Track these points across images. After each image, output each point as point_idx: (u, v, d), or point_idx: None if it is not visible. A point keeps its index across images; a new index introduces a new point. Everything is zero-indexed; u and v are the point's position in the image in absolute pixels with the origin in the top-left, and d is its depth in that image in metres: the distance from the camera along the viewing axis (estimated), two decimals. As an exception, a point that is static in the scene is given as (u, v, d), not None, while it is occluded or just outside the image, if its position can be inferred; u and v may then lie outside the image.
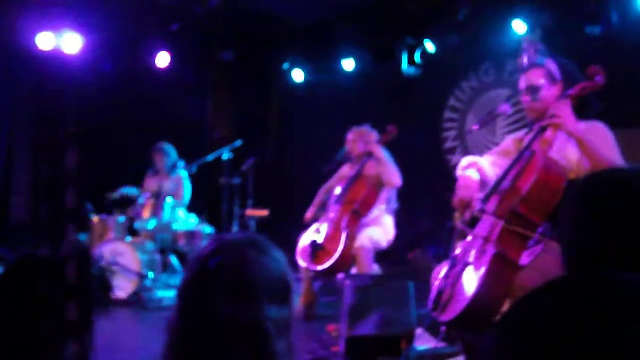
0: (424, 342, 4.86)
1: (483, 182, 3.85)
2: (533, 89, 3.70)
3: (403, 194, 6.36)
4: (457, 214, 5.72)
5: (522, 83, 3.78)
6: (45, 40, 8.04)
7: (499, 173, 3.77)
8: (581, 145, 3.40)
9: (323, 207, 6.42)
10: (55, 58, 8.09)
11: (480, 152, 5.74)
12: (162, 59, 9.17)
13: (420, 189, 7.37)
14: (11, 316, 1.75)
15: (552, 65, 3.73)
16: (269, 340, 1.53)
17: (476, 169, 3.85)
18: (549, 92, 3.68)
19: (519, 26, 7.64)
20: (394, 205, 6.35)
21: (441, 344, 4.89)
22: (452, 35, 8.39)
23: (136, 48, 9.02)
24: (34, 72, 8.35)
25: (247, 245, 1.64)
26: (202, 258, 1.62)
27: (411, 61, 8.71)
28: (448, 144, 8.93)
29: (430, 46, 8.50)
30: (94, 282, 1.81)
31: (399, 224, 6.37)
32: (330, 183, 6.62)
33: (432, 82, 8.87)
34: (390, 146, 6.24)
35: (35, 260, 1.84)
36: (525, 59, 3.41)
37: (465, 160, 3.94)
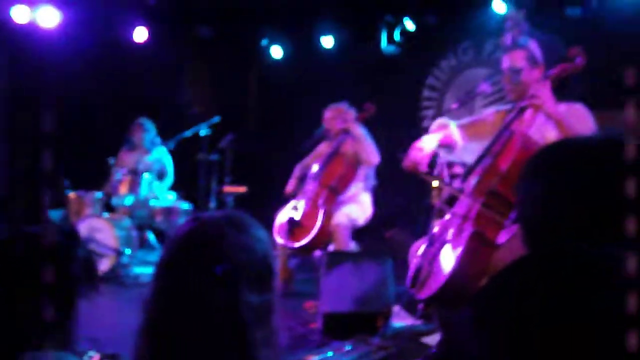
0: (400, 320, 4.90)
1: (449, 147, 3.90)
2: (514, 71, 3.72)
3: (380, 172, 6.37)
4: (434, 193, 5.78)
5: (505, 63, 3.79)
6: (20, 14, 7.93)
7: (470, 146, 3.82)
8: (560, 126, 3.43)
9: (301, 183, 6.42)
10: (30, 32, 7.98)
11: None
12: (140, 34, 9.08)
13: (398, 167, 7.35)
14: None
15: (534, 47, 3.76)
16: (245, 329, 1.45)
17: (442, 133, 3.88)
18: (529, 74, 3.71)
19: (499, 6, 7.63)
20: (372, 182, 6.36)
21: (418, 322, 4.93)
22: (431, 14, 8.39)
23: (114, 22, 8.93)
24: (8, 46, 8.24)
25: (227, 224, 1.54)
26: (179, 237, 1.54)
27: (390, 39, 8.69)
28: (426, 123, 8.93)
29: (409, 24, 8.49)
30: (80, 263, 1.78)
31: (376, 202, 6.38)
32: (307, 160, 6.61)
33: (411, 61, 8.85)
34: (368, 124, 6.23)
35: (23, 237, 1.80)
36: (508, 39, 3.42)
37: (436, 123, 3.98)
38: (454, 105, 4.17)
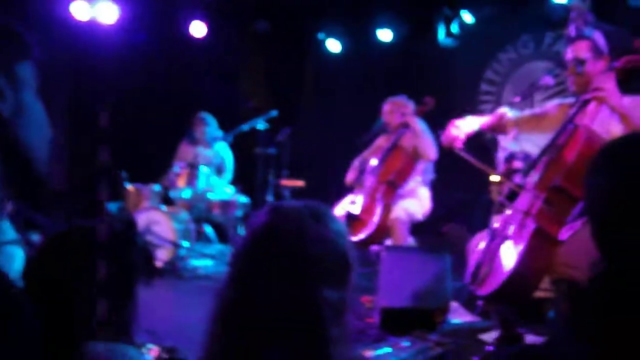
0: (458, 316, 4.84)
1: (500, 131, 3.97)
2: (578, 62, 3.63)
3: (438, 167, 6.30)
4: (494, 188, 5.69)
5: (569, 54, 3.69)
6: (80, 10, 8.01)
7: (532, 137, 3.78)
8: (625, 120, 3.34)
9: (360, 176, 6.37)
10: (90, 28, 8.07)
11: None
12: (198, 29, 9.13)
13: (456, 161, 7.26)
14: (55, 284, 1.73)
15: (599, 39, 3.66)
16: (323, 326, 1.40)
17: (487, 117, 3.98)
18: (594, 66, 3.62)
19: None
20: (430, 176, 6.29)
21: (476, 318, 4.86)
22: (490, 6, 8.25)
23: (172, 17, 8.99)
24: (70, 43, 8.34)
25: (308, 215, 1.49)
26: (258, 227, 1.50)
27: (448, 32, 8.58)
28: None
29: (467, 17, 8.37)
30: (138, 253, 1.78)
31: (433, 197, 6.31)
32: (366, 154, 6.56)
33: (469, 54, 8.73)
34: (427, 118, 6.16)
35: (81, 231, 1.80)
36: (572, 30, 3.36)
37: (496, 112, 3.96)
38: (517, 99, 4.08)
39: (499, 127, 3.93)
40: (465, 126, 3.77)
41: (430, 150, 5.92)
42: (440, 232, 7.99)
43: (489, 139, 6.01)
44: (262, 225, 1.50)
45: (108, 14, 8.11)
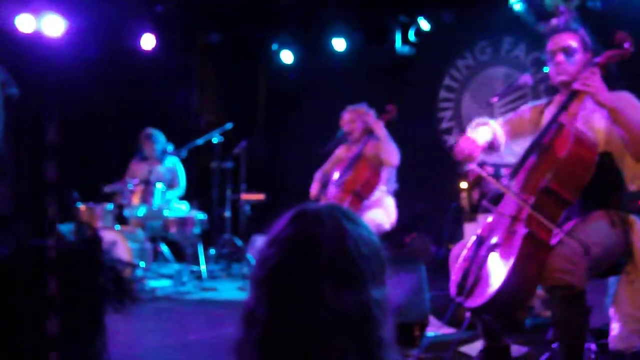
0: (433, 329, 4.65)
1: (492, 145, 3.68)
2: (569, 51, 3.49)
3: (399, 176, 6.13)
4: (463, 195, 5.54)
5: (553, 44, 3.54)
6: (25, 23, 7.72)
7: (511, 146, 3.63)
8: (614, 114, 3.21)
9: (323, 189, 6.17)
10: (36, 41, 7.77)
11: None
12: (148, 41, 8.86)
13: (416, 170, 7.15)
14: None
15: (584, 34, 3.55)
16: (376, 327, 1.31)
17: (491, 129, 3.68)
18: (583, 56, 3.48)
19: (516, 2, 7.41)
20: (394, 185, 6.10)
21: (450, 330, 4.69)
22: (447, 13, 8.17)
23: (120, 30, 8.71)
24: (13, 56, 8.02)
25: (340, 216, 1.37)
26: (289, 238, 1.35)
27: (405, 40, 8.48)
28: (444, 125, 8.71)
29: (424, 24, 8.28)
30: (106, 275, 1.58)
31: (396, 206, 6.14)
32: (327, 166, 6.36)
33: (427, 61, 8.66)
34: (387, 126, 5.98)
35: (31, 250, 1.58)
36: (561, 22, 3.25)
37: (475, 122, 3.76)
38: (495, 99, 3.91)
39: (495, 142, 3.71)
40: (480, 139, 3.54)
41: (393, 156, 5.75)
42: (403, 243, 7.83)
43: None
44: (295, 234, 1.36)
45: (54, 27, 7.81)
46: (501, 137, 3.67)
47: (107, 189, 7.32)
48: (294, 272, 1.31)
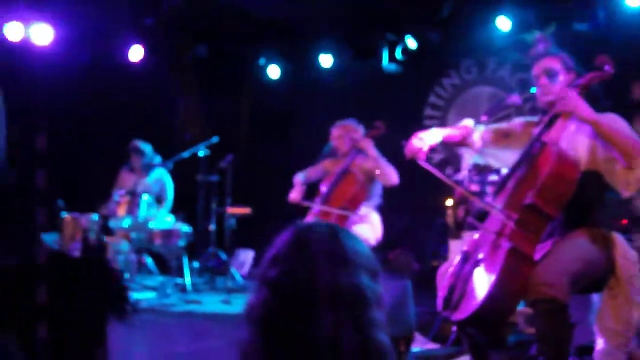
0: (420, 344, 4.69)
1: (466, 145, 3.93)
2: (551, 73, 3.59)
3: (384, 191, 6.15)
4: (449, 212, 5.60)
5: (537, 69, 3.65)
6: (13, 31, 7.73)
7: (500, 154, 3.74)
8: (597, 127, 3.30)
9: (303, 196, 6.17)
10: (24, 49, 7.78)
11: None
12: (136, 53, 8.89)
13: (400, 187, 7.22)
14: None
15: (565, 57, 3.65)
16: (368, 307, 1.44)
17: (450, 130, 3.93)
18: (565, 78, 3.58)
19: (503, 23, 7.51)
20: (378, 200, 6.11)
21: (435, 345, 4.72)
22: (433, 32, 8.26)
23: (109, 41, 8.73)
24: (1, 64, 8.03)
25: (333, 226, 1.54)
26: (291, 251, 1.48)
27: (392, 58, 8.56)
28: (429, 142, 8.77)
29: (411, 42, 8.35)
30: (112, 286, 1.64)
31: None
32: (311, 172, 6.34)
33: (413, 79, 8.72)
34: (375, 142, 6.01)
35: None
36: (541, 48, 3.35)
37: (462, 123, 3.96)
38: (483, 117, 3.98)
39: (463, 140, 3.85)
40: (428, 138, 3.69)
41: (392, 176, 5.77)
42: (387, 259, 7.86)
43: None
44: (297, 246, 1.50)
45: (42, 36, 7.83)
46: (477, 141, 3.80)
47: (103, 211, 7.29)
48: (296, 285, 1.44)
